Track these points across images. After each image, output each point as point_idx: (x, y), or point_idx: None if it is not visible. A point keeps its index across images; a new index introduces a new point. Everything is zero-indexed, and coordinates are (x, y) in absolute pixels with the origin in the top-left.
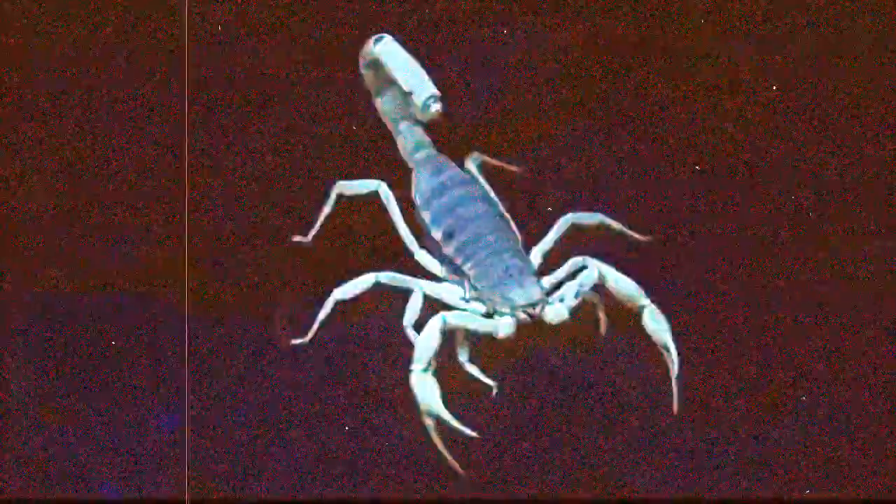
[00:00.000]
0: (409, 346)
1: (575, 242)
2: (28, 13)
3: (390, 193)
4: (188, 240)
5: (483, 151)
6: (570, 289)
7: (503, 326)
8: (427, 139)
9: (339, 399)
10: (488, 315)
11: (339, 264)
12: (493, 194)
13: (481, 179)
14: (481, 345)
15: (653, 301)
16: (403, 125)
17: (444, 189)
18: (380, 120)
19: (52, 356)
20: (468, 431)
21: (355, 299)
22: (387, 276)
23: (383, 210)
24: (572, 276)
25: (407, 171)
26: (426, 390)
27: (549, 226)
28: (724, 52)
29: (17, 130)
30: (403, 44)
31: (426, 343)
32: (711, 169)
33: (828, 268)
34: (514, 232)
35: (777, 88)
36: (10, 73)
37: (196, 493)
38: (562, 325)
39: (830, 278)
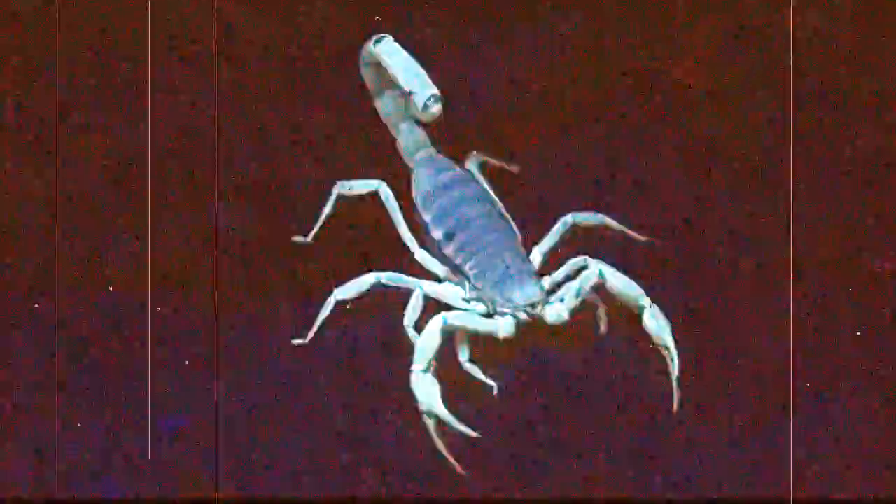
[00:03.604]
0: (410, 346)
1: (575, 242)
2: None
3: (390, 193)
4: (188, 240)
5: (483, 151)
6: (570, 289)
7: (503, 326)
8: (427, 139)
9: (339, 399)
10: (488, 315)
11: (339, 264)
12: (493, 194)
13: (481, 179)
14: (481, 345)
15: (653, 301)
16: (403, 125)
17: (444, 189)
18: (380, 120)
19: (52, 355)
20: (468, 431)
21: (355, 299)
22: (387, 276)
23: (383, 210)
24: (572, 276)
25: (407, 171)
26: (426, 390)
27: (549, 226)
28: (726, 51)
29: None
30: (403, 44)
31: (426, 343)
32: (712, 168)
33: (828, 267)
34: (514, 232)
35: (777, 87)
36: None
37: (193, 492)
38: (562, 325)
39: (830, 277)
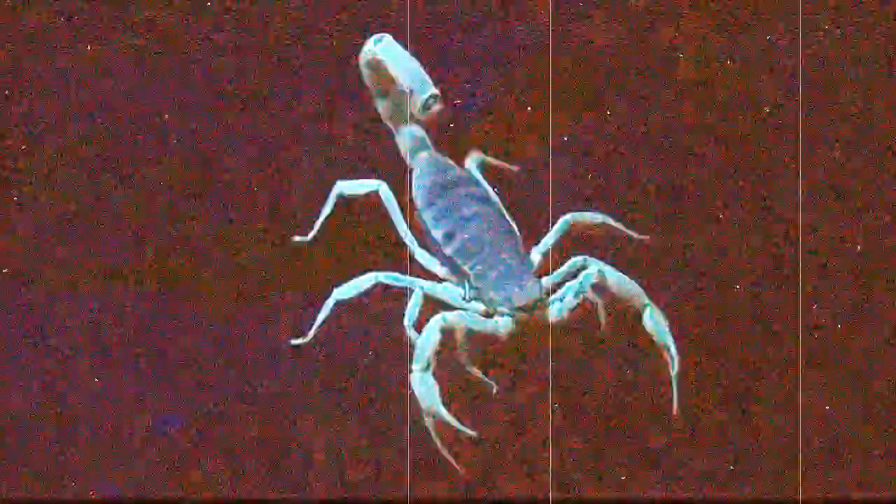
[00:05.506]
0: (410, 346)
1: (575, 242)
2: None
3: (390, 193)
4: (187, 240)
5: (483, 151)
6: (570, 289)
7: (503, 326)
8: (427, 139)
9: (339, 399)
10: (488, 315)
11: (339, 264)
12: (493, 194)
13: (481, 179)
14: (481, 345)
15: (653, 301)
16: (403, 125)
17: (444, 189)
18: (380, 120)
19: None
20: (468, 431)
21: (355, 299)
22: (387, 276)
23: (383, 210)
24: (572, 276)
25: (407, 171)
26: (426, 390)
27: (549, 226)
28: (727, 51)
29: None
30: (403, 44)
31: (426, 343)
32: (712, 168)
33: (828, 267)
34: (514, 232)
35: (778, 90)
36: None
37: (192, 493)
38: (562, 325)
39: (831, 277)
